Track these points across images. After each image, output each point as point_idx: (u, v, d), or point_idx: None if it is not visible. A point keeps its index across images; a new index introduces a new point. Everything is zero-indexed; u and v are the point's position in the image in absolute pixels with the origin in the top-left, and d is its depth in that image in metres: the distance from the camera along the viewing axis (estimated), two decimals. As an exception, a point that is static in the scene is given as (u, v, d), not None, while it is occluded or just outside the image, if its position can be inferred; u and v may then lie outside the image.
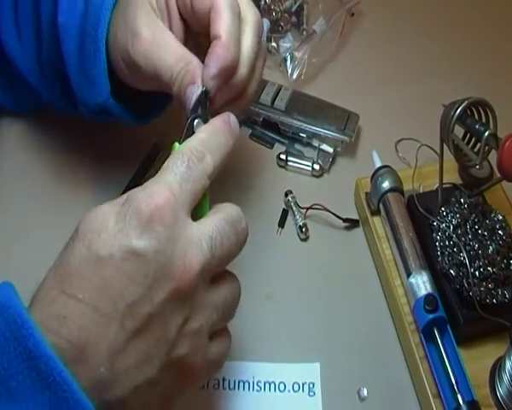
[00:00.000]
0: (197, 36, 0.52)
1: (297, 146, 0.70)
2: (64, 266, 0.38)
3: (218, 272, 0.42)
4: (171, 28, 0.51)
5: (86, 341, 0.37)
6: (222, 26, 0.47)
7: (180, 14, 0.52)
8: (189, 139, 0.44)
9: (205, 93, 0.47)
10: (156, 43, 0.49)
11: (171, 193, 0.39)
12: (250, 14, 0.50)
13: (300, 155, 0.69)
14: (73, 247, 0.39)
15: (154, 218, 0.38)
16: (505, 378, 0.50)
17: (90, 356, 0.37)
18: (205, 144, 0.43)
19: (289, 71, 0.76)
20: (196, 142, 0.43)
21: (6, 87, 0.66)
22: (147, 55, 0.49)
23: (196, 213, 0.42)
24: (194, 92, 0.47)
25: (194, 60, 0.48)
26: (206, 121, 0.46)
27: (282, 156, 0.68)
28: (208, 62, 0.47)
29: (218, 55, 0.47)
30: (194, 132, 0.45)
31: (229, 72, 0.48)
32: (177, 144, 0.44)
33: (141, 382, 0.38)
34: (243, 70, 0.49)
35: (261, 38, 0.51)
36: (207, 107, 0.47)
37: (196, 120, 0.46)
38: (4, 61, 0.63)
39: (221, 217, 0.42)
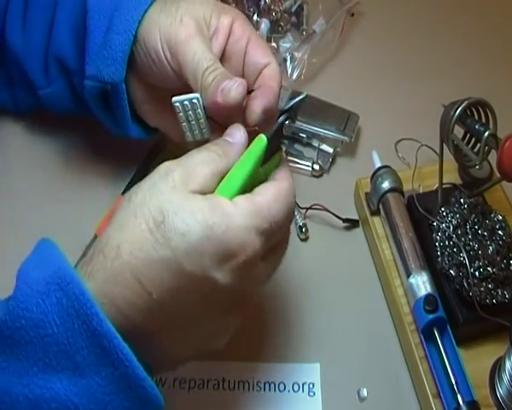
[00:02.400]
0: None
1: (297, 146, 0.70)
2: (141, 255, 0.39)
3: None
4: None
5: (148, 330, 0.39)
6: (276, 79, 0.49)
7: (224, 50, 0.52)
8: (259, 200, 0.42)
9: (282, 124, 0.48)
10: (201, 34, 0.50)
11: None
12: None
13: (300, 155, 0.69)
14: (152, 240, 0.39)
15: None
16: (505, 379, 0.50)
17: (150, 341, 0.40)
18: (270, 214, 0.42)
19: (289, 71, 0.76)
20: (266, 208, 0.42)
21: (3, 84, 0.66)
22: (191, 38, 0.49)
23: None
24: (235, 84, 0.46)
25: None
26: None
27: (282, 156, 0.68)
28: (259, 96, 0.48)
29: (270, 100, 0.48)
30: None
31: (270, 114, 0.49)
32: (263, 137, 0.44)
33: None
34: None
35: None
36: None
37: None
38: (3, 57, 0.64)
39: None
